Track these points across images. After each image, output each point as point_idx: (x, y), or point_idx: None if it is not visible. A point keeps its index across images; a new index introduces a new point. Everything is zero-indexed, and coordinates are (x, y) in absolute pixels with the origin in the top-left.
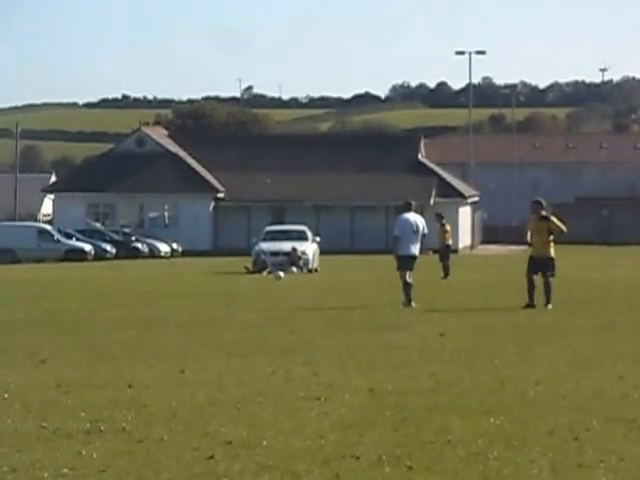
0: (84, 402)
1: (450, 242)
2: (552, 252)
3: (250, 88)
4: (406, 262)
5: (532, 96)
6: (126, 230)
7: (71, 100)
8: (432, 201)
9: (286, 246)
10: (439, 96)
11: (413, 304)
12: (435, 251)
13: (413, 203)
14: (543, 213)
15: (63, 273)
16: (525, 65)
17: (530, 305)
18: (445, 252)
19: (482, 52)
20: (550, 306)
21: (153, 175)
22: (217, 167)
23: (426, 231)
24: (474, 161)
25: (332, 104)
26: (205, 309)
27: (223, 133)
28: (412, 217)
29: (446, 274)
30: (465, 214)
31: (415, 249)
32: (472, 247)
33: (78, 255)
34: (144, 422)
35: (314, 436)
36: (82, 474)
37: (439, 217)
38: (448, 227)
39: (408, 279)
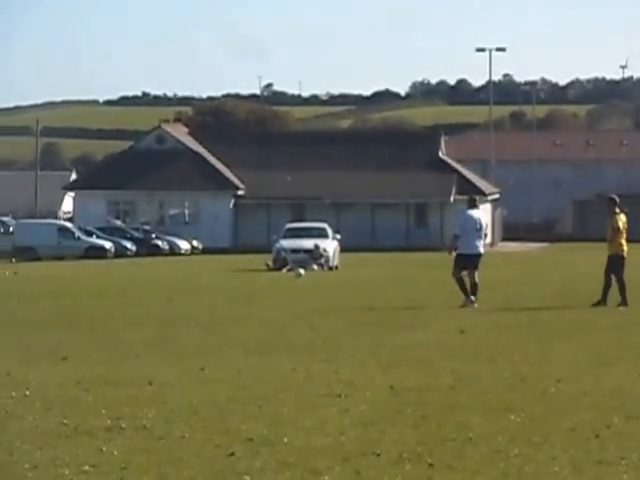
0: (105, 399)
1: None
2: (616, 250)
3: (270, 85)
4: (466, 260)
5: (552, 93)
6: (146, 227)
7: (91, 97)
8: (452, 199)
9: (307, 243)
10: (459, 93)
11: (473, 300)
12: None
13: (477, 199)
14: (617, 210)
15: (83, 271)
16: (545, 62)
17: (600, 302)
18: None
19: (502, 49)
20: (622, 307)
21: (173, 172)
22: (237, 164)
23: (487, 231)
24: (494, 158)
25: (352, 101)
26: (225, 306)
27: (243, 130)
28: (476, 214)
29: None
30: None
31: (479, 247)
32: (492, 244)
33: (98, 253)
34: (165, 419)
35: (335, 433)
36: (103, 471)
37: None
38: None
39: (465, 278)
